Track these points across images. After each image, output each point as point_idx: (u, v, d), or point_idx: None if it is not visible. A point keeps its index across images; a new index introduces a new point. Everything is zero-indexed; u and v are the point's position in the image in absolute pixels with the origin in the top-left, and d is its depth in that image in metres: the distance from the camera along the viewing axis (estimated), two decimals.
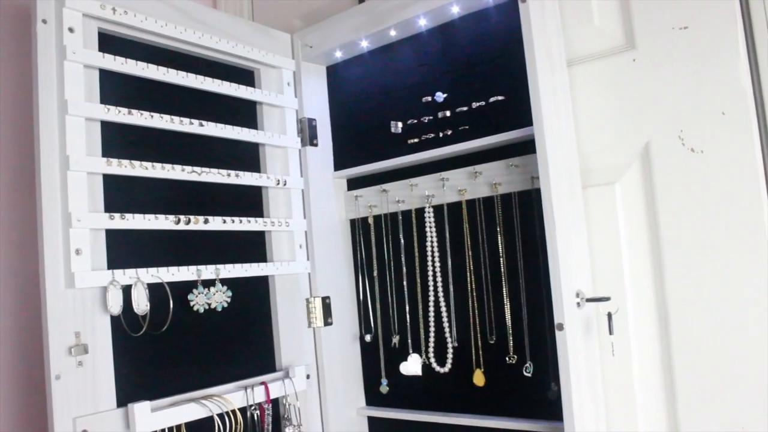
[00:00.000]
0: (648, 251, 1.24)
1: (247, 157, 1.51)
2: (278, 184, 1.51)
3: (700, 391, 1.17)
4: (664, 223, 1.22)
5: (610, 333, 1.17)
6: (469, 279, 1.44)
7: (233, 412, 1.30)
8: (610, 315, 1.17)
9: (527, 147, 1.33)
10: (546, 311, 1.32)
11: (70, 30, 1.18)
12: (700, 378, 1.17)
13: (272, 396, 1.38)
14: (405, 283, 1.55)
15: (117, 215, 1.20)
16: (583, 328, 1.20)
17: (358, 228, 1.65)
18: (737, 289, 1.14)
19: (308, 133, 1.61)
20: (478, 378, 1.41)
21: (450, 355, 1.45)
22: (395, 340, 1.56)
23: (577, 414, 1.15)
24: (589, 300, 1.19)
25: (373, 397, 1.64)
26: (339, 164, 1.66)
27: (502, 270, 1.39)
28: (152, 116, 1.28)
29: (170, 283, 1.25)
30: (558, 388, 1.29)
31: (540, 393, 1.33)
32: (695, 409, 1.17)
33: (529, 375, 1.34)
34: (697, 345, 1.17)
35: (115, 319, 1.18)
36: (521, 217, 1.37)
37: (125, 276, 1.19)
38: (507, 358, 1.37)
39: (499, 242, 1.39)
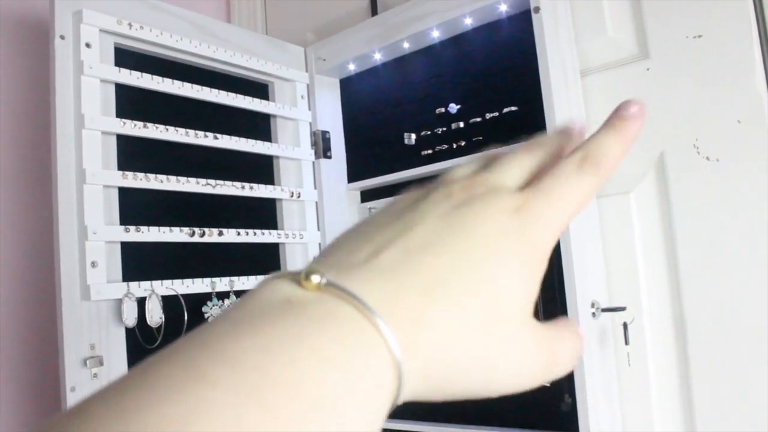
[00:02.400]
0: (664, 260, 1.23)
1: (261, 169, 1.52)
2: (292, 196, 1.52)
3: (719, 402, 1.15)
4: (680, 232, 1.21)
5: (626, 343, 1.16)
6: None
7: None
8: (625, 325, 1.16)
9: None
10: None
11: (87, 45, 1.19)
12: (718, 389, 1.15)
13: None
14: None
15: (132, 228, 1.21)
16: (598, 338, 1.19)
17: None
18: (755, 299, 1.13)
19: (322, 146, 1.61)
20: None
21: None
22: None
23: (593, 425, 1.14)
24: (604, 310, 1.19)
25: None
26: (352, 176, 1.67)
27: None
28: (167, 129, 1.29)
29: (185, 295, 1.25)
30: (572, 400, 1.28)
31: (554, 404, 1.32)
32: (713, 421, 1.16)
33: (548, 384, 1.32)
34: (714, 355, 1.16)
35: (129, 332, 1.19)
36: None
37: (140, 288, 1.19)
38: None
39: None
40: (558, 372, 0.33)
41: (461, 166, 0.35)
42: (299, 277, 0.28)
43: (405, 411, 1.56)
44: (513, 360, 0.30)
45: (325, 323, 0.25)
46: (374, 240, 0.29)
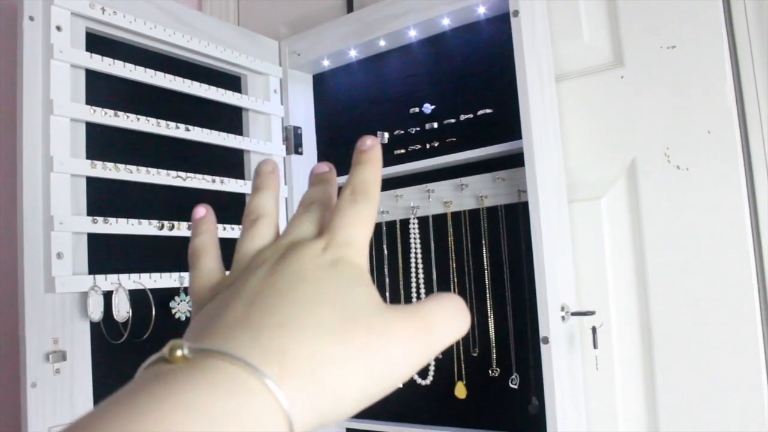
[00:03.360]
0: (632, 266, 1.25)
1: (232, 163, 1.50)
2: None
3: (682, 406, 1.18)
4: (649, 239, 1.24)
5: (595, 347, 1.17)
6: (453, 291, 1.44)
7: None
8: (594, 329, 1.18)
9: (514, 160, 1.33)
10: (530, 324, 1.32)
11: (58, 28, 1.16)
12: (682, 394, 1.18)
13: None
14: (387, 294, 1.54)
15: (100, 219, 1.18)
16: (567, 341, 1.20)
17: None
18: (721, 306, 1.15)
19: (293, 141, 1.60)
20: (460, 390, 1.41)
21: (432, 368, 1.45)
22: None
23: (561, 427, 1.15)
24: (574, 314, 1.20)
25: None
26: None
27: (487, 283, 1.39)
28: (138, 119, 1.26)
29: (152, 290, 1.22)
30: (538, 403, 1.29)
31: (522, 406, 1.33)
32: (677, 423, 1.18)
33: (516, 387, 1.33)
34: (680, 361, 1.18)
35: (95, 326, 1.15)
36: (507, 230, 1.37)
37: (107, 281, 1.16)
38: (490, 371, 1.37)
39: (484, 255, 1.39)
40: (447, 332, 0.35)
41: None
42: (164, 355, 0.29)
43: (372, 412, 1.55)
44: (395, 347, 0.32)
45: (192, 378, 0.26)
46: (219, 310, 0.32)
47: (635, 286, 1.25)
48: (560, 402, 1.16)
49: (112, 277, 1.17)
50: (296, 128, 1.61)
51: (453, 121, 1.45)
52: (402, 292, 1.51)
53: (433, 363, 1.45)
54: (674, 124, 1.24)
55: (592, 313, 1.19)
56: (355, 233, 0.35)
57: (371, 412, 1.56)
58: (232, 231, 1.41)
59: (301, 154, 1.61)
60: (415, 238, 1.48)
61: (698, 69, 1.22)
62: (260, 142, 1.52)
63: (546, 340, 1.15)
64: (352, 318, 0.31)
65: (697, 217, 1.20)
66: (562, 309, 1.19)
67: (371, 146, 0.40)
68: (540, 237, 1.17)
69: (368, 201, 0.37)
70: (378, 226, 1.56)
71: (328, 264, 0.33)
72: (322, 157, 1.66)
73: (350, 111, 1.62)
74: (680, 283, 1.19)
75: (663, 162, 1.24)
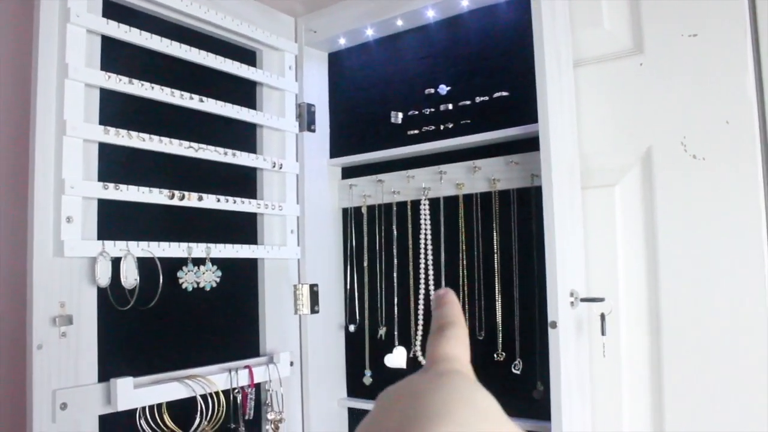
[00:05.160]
0: (644, 255, 1.24)
1: (244, 138, 1.49)
2: (274, 167, 1.49)
3: (689, 397, 1.17)
4: (662, 228, 1.22)
5: (603, 334, 1.16)
6: (461, 274, 1.43)
7: (216, 393, 1.28)
8: (603, 316, 1.17)
9: (528, 144, 1.33)
10: (538, 310, 1.31)
11: None
12: (689, 383, 1.17)
13: (256, 380, 1.36)
14: (395, 274, 1.53)
15: (111, 185, 1.17)
16: (575, 327, 1.20)
17: (351, 217, 1.63)
18: (732, 298, 1.14)
19: (306, 119, 1.59)
20: None
21: None
22: (382, 331, 1.54)
23: (566, 413, 1.14)
24: (583, 300, 1.19)
25: (355, 389, 1.62)
26: (335, 152, 1.65)
27: (496, 266, 1.38)
28: (152, 87, 1.25)
29: (160, 259, 1.22)
30: (544, 388, 1.29)
31: (526, 392, 1.32)
32: (682, 414, 1.17)
33: (518, 372, 1.33)
34: (688, 351, 1.17)
35: (101, 292, 1.15)
36: (518, 214, 1.36)
37: (115, 248, 1.16)
38: (495, 355, 1.36)
39: (495, 238, 1.39)
40: None
41: None
42: None
43: (376, 392, 1.55)
44: None
45: None
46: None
47: (646, 275, 1.23)
48: (566, 387, 1.15)
49: (121, 244, 1.17)
50: (310, 105, 1.60)
51: (468, 103, 1.44)
52: (410, 272, 1.50)
53: None
54: (692, 113, 1.22)
55: (601, 299, 1.18)
56: (457, 350, 0.39)
57: (375, 393, 1.56)
58: (242, 205, 1.40)
59: (313, 131, 1.61)
60: (425, 220, 1.47)
61: (719, 58, 1.21)
62: (273, 118, 1.51)
63: (554, 325, 1.14)
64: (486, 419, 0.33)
65: (712, 208, 1.18)
66: (571, 294, 1.18)
67: (446, 291, 0.45)
68: (552, 221, 1.16)
69: (459, 325, 0.41)
70: (388, 207, 1.55)
71: (435, 376, 0.35)
72: (335, 135, 1.65)
73: (365, 90, 1.61)
74: (691, 273, 1.18)
75: (679, 151, 1.23)
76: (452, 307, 0.43)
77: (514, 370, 1.33)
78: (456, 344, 0.40)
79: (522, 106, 1.35)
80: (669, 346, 1.19)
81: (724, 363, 1.14)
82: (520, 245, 1.36)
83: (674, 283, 1.20)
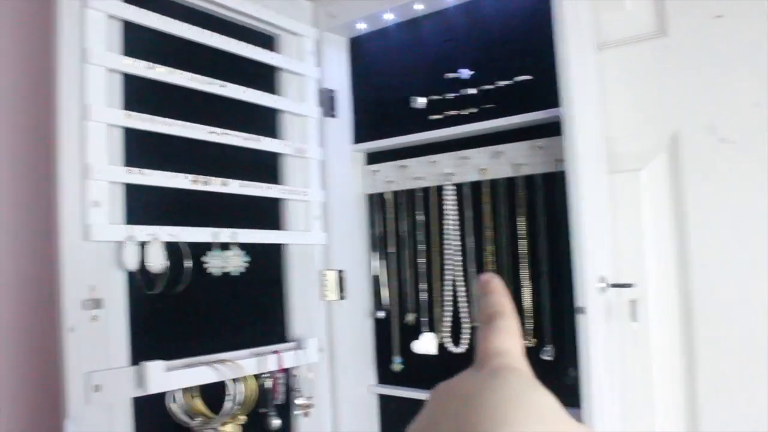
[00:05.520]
0: (673, 240, 1.24)
1: (265, 124, 1.48)
2: (297, 152, 1.49)
3: (723, 384, 1.16)
4: (691, 212, 1.21)
5: (633, 320, 1.16)
6: (488, 259, 1.42)
7: (245, 378, 1.28)
8: (633, 302, 1.16)
9: (552, 129, 1.31)
10: (566, 296, 1.31)
11: None
12: (722, 370, 1.16)
13: (284, 366, 1.36)
14: (422, 261, 1.53)
15: (135, 170, 1.17)
16: (604, 313, 1.19)
17: (375, 203, 1.62)
18: (764, 283, 1.13)
19: (328, 104, 1.58)
20: None
21: (466, 335, 1.44)
22: (410, 318, 1.54)
23: (596, 400, 1.14)
24: (612, 286, 1.18)
25: (384, 376, 1.62)
26: (358, 137, 1.64)
27: (523, 252, 1.37)
28: (173, 72, 1.25)
29: (187, 244, 1.22)
30: (576, 374, 1.28)
31: (557, 378, 1.32)
32: (716, 402, 1.17)
33: (550, 358, 1.33)
34: (720, 336, 1.17)
35: (130, 276, 1.15)
36: (544, 199, 1.35)
37: (142, 232, 1.16)
38: (525, 341, 1.36)
39: (521, 223, 1.38)
40: None
41: None
42: None
43: (406, 379, 1.55)
44: None
45: None
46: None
47: (676, 260, 1.23)
48: (596, 374, 1.14)
49: (148, 229, 1.17)
50: (331, 91, 1.60)
51: (490, 87, 1.43)
52: (436, 258, 1.50)
53: (467, 330, 1.44)
54: (720, 96, 1.21)
55: (630, 285, 1.17)
56: (509, 343, 0.38)
57: (405, 380, 1.56)
58: (267, 190, 1.40)
59: (335, 117, 1.60)
60: (450, 205, 1.47)
61: (746, 40, 1.20)
62: (295, 103, 1.51)
63: (583, 311, 1.13)
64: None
65: (741, 192, 1.17)
66: (600, 280, 1.18)
67: (492, 277, 0.44)
68: (578, 207, 1.16)
69: (508, 315, 0.40)
70: (411, 192, 1.55)
71: (489, 376, 0.34)
72: (357, 121, 1.64)
73: (386, 75, 1.60)
74: (722, 257, 1.17)
75: (707, 135, 1.22)
76: (499, 295, 0.42)
77: (545, 357, 1.33)
78: (507, 336, 0.39)
79: (545, 89, 1.34)
80: (701, 333, 1.19)
81: (758, 349, 1.13)
82: (548, 231, 1.35)
83: (705, 268, 1.19)
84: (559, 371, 1.32)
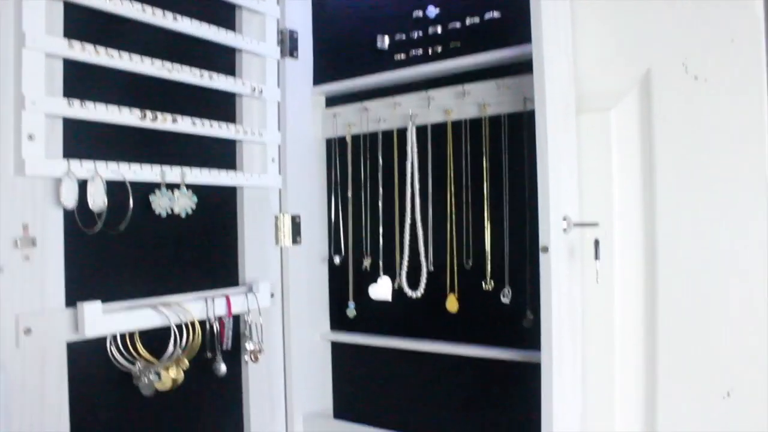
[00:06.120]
0: (640, 180, 1.18)
1: (222, 63, 1.40)
2: (254, 92, 1.42)
3: (683, 322, 1.12)
4: (660, 152, 1.16)
5: (597, 258, 1.11)
6: (449, 202, 1.37)
7: (192, 323, 1.23)
8: (597, 241, 1.12)
9: (520, 68, 1.26)
10: (528, 238, 1.26)
11: None
12: (683, 309, 1.12)
13: (234, 310, 1.31)
14: (381, 204, 1.47)
15: (77, 102, 1.10)
16: (567, 253, 1.15)
17: (335, 147, 1.56)
18: (732, 224, 1.09)
19: (288, 45, 1.51)
20: (452, 303, 1.36)
21: (423, 280, 1.39)
22: (366, 263, 1.49)
23: (556, 342, 1.10)
24: (576, 225, 1.14)
25: (338, 322, 1.58)
26: (319, 79, 1.57)
27: (485, 193, 1.32)
28: (122, 2, 1.17)
29: (131, 183, 1.15)
30: (534, 317, 1.24)
31: (516, 321, 1.28)
32: (676, 340, 1.13)
33: (507, 301, 1.28)
34: (683, 278, 1.12)
35: (68, 215, 1.09)
36: (509, 140, 1.30)
37: (82, 168, 1.09)
38: (483, 284, 1.32)
39: (484, 165, 1.32)
40: None
41: None
42: None
43: (361, 324, 1.51)
44: None
45: None
46: None
47: (642, 201, 1.18)
48: (556, 314, 1.10)
49: (88, 164, 1.10)
50: (292, 32, 1.52)
51: (458, 25, 1.36)
52: (396, 202, 1.44)
53: (425, 275, 1.39)
54: (694, 31, 1.15)
55: (595, 224, 1.12)
56: None
57: (359, 326, 1.52)
58: (219, 129, 1.33)
59: (296, 57, 1.53)
60: (412, 147, 1.41)
61: None
62: (253, 41, 1.43)
63: (546, 250, 1.09)
64: None
65: (713, 130, 1.12)
66: (564, 219, 1.13)
67: None
68: (545, 145, 1.10)
69: None
70: (374, 136, 1.49)
71: None
72: (318, 62, 1.57)
73: (350, 14, 1.53)
74: (690, 198, 1.13)
75: (680, 72, 1.16)
76: None
77: (503, 299, 1.29)
78: None
79: (515, 27, 1.28)
80: (664, 274, 1.14)
81: (719, 287, 1.09)
82: (511, 172, 1.30)
83: (671, 207, 1.14)
84: (517, 315, 1.28)
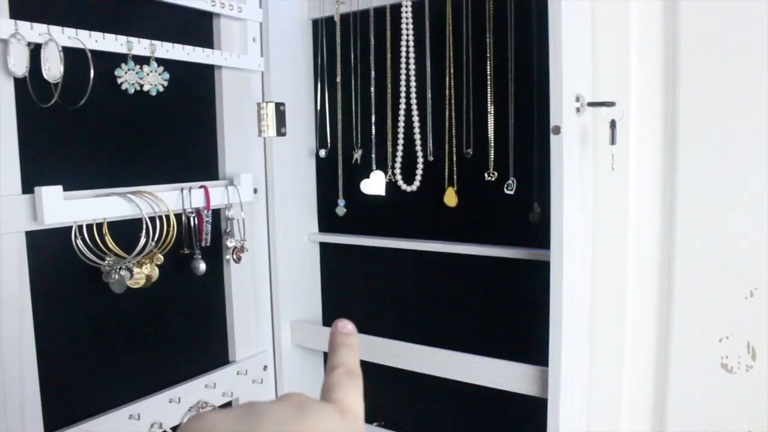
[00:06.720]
0: (661, 56, 1.06)
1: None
2: None
3: (702, 207, 1.02)
4: (684, 25, 1.04)
5: (612, 143, 1.01)
6: (448, 84, 1.25)
7: (167, 216, 1.12)
8: (613, 122, 1.01)
9: None
10: (536, 123, 1.15)
11: None
12: (703, 192, 1.02)
13: (213, 203, 1.20)
14: (373, 90, 1.35)
15: None
16: (579, 136, 1.04)
17: (322, 29, 1.42)
18: (757, 99, 0.98)
19: None
20: (450, 197, 1.25)
21: (419, 172, 1.29)
22: (357, 155, 1.37)
23: (567, 237, 1.01)
24: (590, 104, 1.03)
25: (327, 223, 1.48)
26: None
27: (489, 73, 1.20)
28: None
29: (93, 51, 1.02)
30: (540, 210, 1.15)
31: (522, 215, 1.18)
32: (694, 233, 1.04)
33: (512, 192, 1.18)
34: (704, 162, 1.02)
35: (20, 85, 0.96)
36: (515, 12, 1.17)
37: (33, 31, 0.95)
38: (486, 175, 1.21)
39: (488, 41, 1.20)
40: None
41: None
42: None
43: (348, 224, 1.42)
44: None
45: None
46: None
47: (663, 79, 1.06)
48: (568, 206, 1.01)
49: (41, 27, 0.96)
50: None
51: None
52: (389, 86, 1.32)
53: (421, 166, 1.29)
54: None
55: (611, 104, 1.01)
56: (359, 408, 0.41)
57: (352, 225, 1.43)
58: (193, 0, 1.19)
59: None
60: (407, 25, 1.28)
61: None
62: None
63: (557, 130, 0.98)
64: None
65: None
66: (577, 99, 1.02)
67: (352, 331, 0.46)
68: (558, 14, 0.98)
69: (360, 380, 0.43)
70: (365, 14, 1.35)
71: (341, 422, 0.38)
72: None
73: None
74: (714, 73, 1.01)
75: None
76: (354, 355, 0.45)
77: (507, 191, 1.18)
78: (361, 401, 0.42)
79: None
80: (685, 159, 1.04)
81: (741, 178, 0.99)
82: (517, 48, 1.17)
83: (695, 84, 1.03)
84: (523, 208, 1.18)
